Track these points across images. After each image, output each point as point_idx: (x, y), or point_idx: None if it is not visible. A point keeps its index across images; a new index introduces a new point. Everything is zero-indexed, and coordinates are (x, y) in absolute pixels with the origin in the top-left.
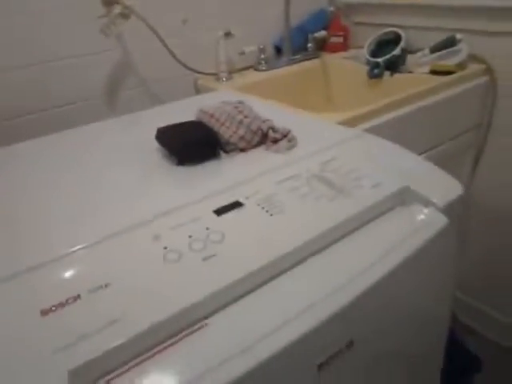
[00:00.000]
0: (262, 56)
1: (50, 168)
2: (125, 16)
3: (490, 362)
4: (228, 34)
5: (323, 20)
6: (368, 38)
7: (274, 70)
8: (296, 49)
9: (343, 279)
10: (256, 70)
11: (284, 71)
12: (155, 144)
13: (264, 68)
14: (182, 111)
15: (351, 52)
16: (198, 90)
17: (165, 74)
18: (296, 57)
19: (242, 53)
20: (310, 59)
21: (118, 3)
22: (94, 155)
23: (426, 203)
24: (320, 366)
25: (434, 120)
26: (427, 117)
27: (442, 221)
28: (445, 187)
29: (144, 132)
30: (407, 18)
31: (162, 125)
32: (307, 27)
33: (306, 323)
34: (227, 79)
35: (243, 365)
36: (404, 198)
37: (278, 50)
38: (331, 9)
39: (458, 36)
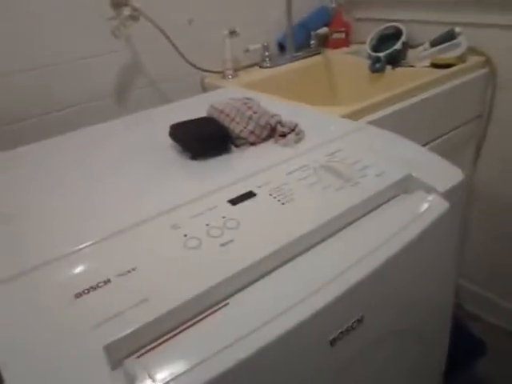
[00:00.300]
0: (266, 53)
1: (71, 165)
2: (134, 18)
3: (497, 348)
4: (233, 33)
5: (325, 16)
6: (369, 34)
7: (278, 67)
8: (299, 45)
9: (352, 261)
10: (261, 67)
11: (288, 68)
12: (169, 140)
13: (268, 65)
14: (191, 108)
15: (353, 47)
16: (205, 88)
17: (172, 73)
18: (299, 53)
19: (247, 50)
20: (312, 55)
21: (126, 5)
22: (112, 152)
23: (428, 189)
24: (332, 342)
25: (435, 112)
26: (429, 109)
27: (443, 206)
28: (445, 174)
29: (157, 129)
30: (407, 12)
31: (174, 122)
32: (309, 24)
33: (320, 301)
34: (233, 77)
35: (263, 338)
36: (407, 185)
37: (282, 47)
38: (333, 5)
39: (457, 29)
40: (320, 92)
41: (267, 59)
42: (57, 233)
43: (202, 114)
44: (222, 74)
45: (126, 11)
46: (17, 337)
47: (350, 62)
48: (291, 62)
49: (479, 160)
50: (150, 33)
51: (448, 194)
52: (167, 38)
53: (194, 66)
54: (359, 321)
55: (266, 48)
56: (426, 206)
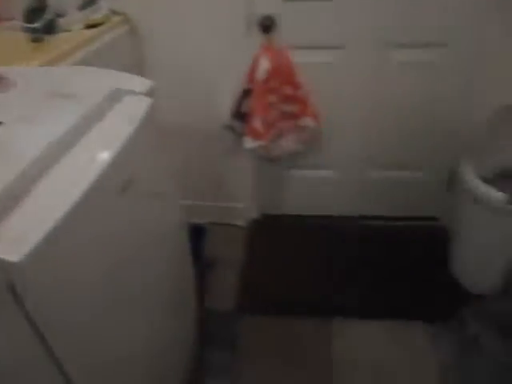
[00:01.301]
0: None
1: None
2: None
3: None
4: None
5: None
6: (16, 9)
7: None
8: None
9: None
10: None
11: None
12: None
13: None
14: None
15: (5, 24)
16: None
17: None
18: None
19: None
20: None
21: None
22: None
23: (135, 94)
24: (122, 191)
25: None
26: (106, 59)
27: (148, 100)
28: (141, 82)
29: None
30: None
31: None
32: None
33: (102, 164)
34: None
35: (81, 189)
36: (118, 96)
37: None
38: None
39: None
40: None
41: None
42: None
43: None
44: None
45: None
46: None
47: (8, 37)
48: None
49: None
50: None
51: (148, 93)
52: None
53: None
54: (130, 181)
55: None
56: (138, 104)
